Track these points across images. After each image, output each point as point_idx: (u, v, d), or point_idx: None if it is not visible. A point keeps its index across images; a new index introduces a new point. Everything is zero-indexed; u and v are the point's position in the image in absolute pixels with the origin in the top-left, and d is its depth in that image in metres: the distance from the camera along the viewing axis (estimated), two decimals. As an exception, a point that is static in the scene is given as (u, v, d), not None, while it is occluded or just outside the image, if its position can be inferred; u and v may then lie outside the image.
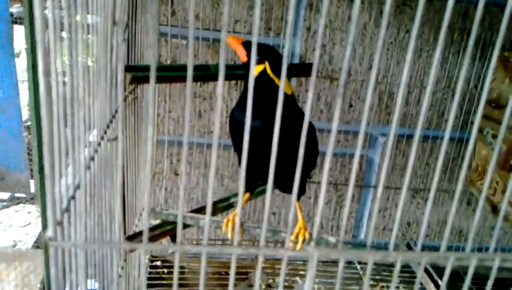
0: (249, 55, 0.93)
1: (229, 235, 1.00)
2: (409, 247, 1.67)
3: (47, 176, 0.39)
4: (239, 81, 1.63)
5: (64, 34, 0.46)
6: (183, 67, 1.11)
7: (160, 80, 1.07)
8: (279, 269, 1.77)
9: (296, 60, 1.67)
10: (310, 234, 0.98)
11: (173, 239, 1.25)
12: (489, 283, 0.50)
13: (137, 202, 1.20)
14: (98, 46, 0.65)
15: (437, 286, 1.36)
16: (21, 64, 2.75)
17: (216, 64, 1.15)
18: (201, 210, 1.21)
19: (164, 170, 1.71)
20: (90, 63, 0.57)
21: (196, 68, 1.10)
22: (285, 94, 0.84)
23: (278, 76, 0.90)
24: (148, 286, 1.55)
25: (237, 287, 1.66)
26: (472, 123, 1.77)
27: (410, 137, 1.79)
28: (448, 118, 0.45)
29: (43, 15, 0.35)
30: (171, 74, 1.06)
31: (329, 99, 1.73)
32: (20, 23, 2.37)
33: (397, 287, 1.73)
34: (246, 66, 0.94)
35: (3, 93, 2.16)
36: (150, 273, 1.67)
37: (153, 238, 1.09)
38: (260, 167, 0.84)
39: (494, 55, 0.47)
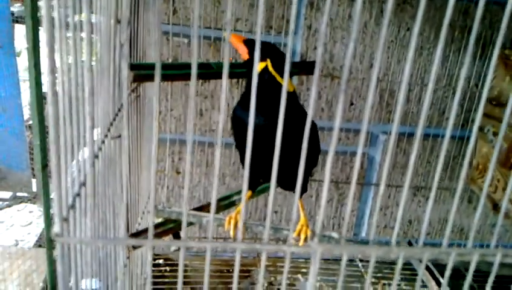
0: (250, 53, 0.94)
1: (231, 233, 1.00)
2: (410, 244, 1.67)
3: (53, 173, 0.40)
4: (240, 80, 1.63)
5: (67, 34, 0.47)
6: (185, 66, 1.12)
7: (162, 78, 1.08)
8: (280, 267, 1.78)
9: (297, 58, 1.67)
10: (312, 231, 0.98)
11: (175, 237, 1.25)
12: (491, 279, 0.50)
13: (140, 199, 1.21)
14: (101, 45, 0.65)
15: (438, 283, 1.37)
16: (22, 63, 2.75)
17: (217, 63, 1.15)
18: (203, 208, 1.21)
19: (166, 168, 1.71)
20: (93, 62, 0.58)
21: (198, 66, 1.10)
22: (287, 91, 0.84)
23: (280, 73, 0.90)
24: (151, 283, 1.56)
25: (240, 285, 1.66)
26: (473, 121, 1.77)
27: (410, 135, 1.80)
28: (449, 117, 0.45)
29: (50, 15, 0.36)
30: (173, 72, 1.07)
31: (330, 97, 1.73)
32: (21, 22, 2.36)
33: (398, 285, 1.73)
34: (247, 63, 0.95)
35: (5, 93, 2.16)
36: (152, 271, 1.68)
37: (155, 236, 1.10)
38: (262, 165, 0.85)
39: (494, 54, 0.47)
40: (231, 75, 1.15)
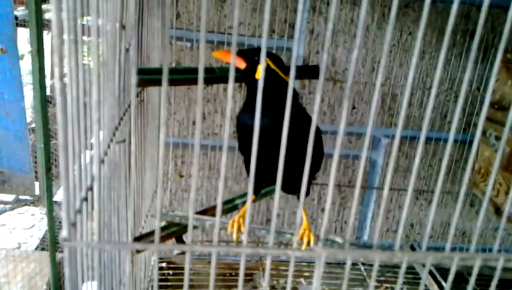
0: (248, 60, 0.94)
1: (234, 237, 1.01)
2: (413, 249, 1.67)
3: (62, 178, 0.40)
4: (243, 84, 1.64)
5: (70, 38, 0.47)
6: (189, 70, 1.13)
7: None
8: (283, 270, 1.78)
9: (300, 62, 1.68)
10: (315, 235, 0.99)
11: (178, 240, 1.26)
12: (494, 283, 0.51)
13: (144, 203, 1.21)
14: (107, 50, 0.66)
15: (441, 287, 1.37)
16: (25, 67, 2.76)
17: (220, 67, 1.16)
18: (206, 212, 1.21)
19: (169, 172, 1.72)
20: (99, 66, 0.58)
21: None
22: (287, 85, 0.84)
23: (281, 70, 0.92)
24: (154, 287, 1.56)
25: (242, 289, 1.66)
26: (475, 125, 1.78)
27: (412, 139, 1.80)
28: (452, 121, 0.46)
29: (59, 20, 0.36)
30: (176, 76, 1.08)
31: (333, 101, 1.74)
32: (24, 26, 2.37)
33: (401, 289, 1.73)
34: (247, 70, 0.94)
35: (8, 96, 2.17)
36: (154, 274, 1.68)
37: (159, 240, 1.10)
38: (266, 169, 0.85)
39: (497, 58, 0.48)
40: (235, 80, 1.15)
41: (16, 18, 2.18)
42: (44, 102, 1.16)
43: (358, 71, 1.71)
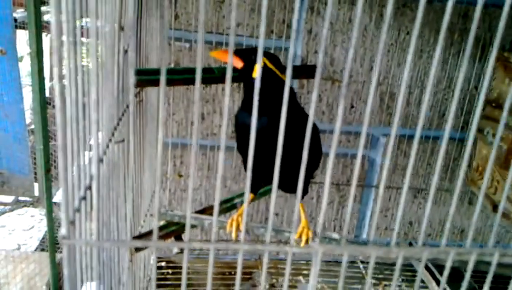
0: (245, 60, 0.95)
1: (233, 235, 1.01)
2: (411, 246, 1.68)
3: (61, 178, 0.41)
4: (241, 84, 1.65)
5: (69, 39, 0.48)
6: (188, 70, 1.13)
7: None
8: (282, 269, 1.79)
9: (298, 62, 1.68)
10: (313, 232, 0.99)
11: (177, 240, 1.26)
12: (489, 277, 0.51)
13: (142, 202, 1.22)
14: (105, 51, 0.66)
15: (439, 284, 1.37)
16: (24, 68, 2.76)
17: (219, 68, 1.17)
18: (205, 211, 1.22)
19: (168, 171, 1.72)
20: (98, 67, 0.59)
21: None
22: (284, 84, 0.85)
23: (278, 69, 0.93)
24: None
25: (241, 287, 1.67)
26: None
27: (411, 137, 1.80)
28: (448, 118, 0.46)
29: (58, 22, 0.37)
30: (175, 77, 1.08)
31: (331, 100, 1.75)
32: (24, 28, 2.38)
33: (399, 286, 1.74)
34: (244, 70, 0.95)
35: (8, 98, 2.17)
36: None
37: (158, 239, 1.11)
38: (264, 168, 0.86)
39: (492, 55, 0.49)
40: (232, 80, 1.16)
41: (15, 20, 2.18)
42: (44, 103, 1.17)
43: (356, 71, 1.72)
